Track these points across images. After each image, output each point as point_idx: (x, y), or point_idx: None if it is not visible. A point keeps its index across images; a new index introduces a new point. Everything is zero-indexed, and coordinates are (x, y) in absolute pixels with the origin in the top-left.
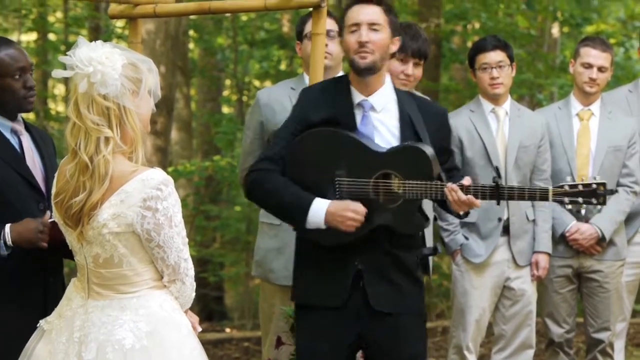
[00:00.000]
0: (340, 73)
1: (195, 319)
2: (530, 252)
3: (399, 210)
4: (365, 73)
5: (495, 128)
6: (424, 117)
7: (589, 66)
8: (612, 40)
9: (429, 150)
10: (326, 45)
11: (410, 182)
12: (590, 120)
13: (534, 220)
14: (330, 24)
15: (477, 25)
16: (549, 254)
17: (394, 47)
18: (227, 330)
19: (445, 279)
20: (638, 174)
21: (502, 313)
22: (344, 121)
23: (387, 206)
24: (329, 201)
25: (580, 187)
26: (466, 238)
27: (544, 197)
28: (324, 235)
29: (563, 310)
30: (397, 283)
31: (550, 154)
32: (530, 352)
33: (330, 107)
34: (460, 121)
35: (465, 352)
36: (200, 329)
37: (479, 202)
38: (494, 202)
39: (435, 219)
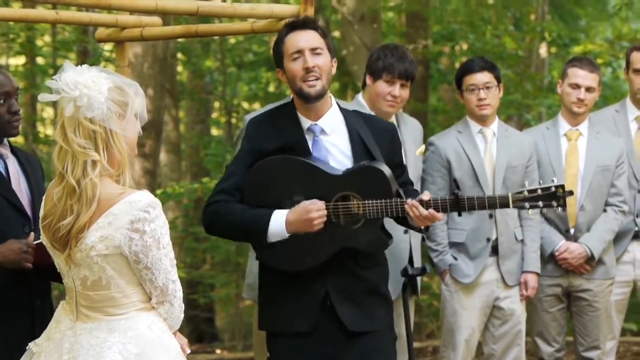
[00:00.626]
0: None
1: (184, 340)
2: (519, 272)
3: (361, 230)
4: (315, 100)
5: (483, 149)
6: (373, 133)
7: (576, 87)
8: (599, 61)
9: (385, 168)
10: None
11: (370, 201)
12: (579, 140)
13: (522, 240)
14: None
15: (465, 47)
16: (537, 274)
17: (334, 70)
18: (218, 351)
19: (435, 299)
20: (626, 194)
21: (491, 333)
22: (296, 148)
23: (349, 227)
24: (287, 210)
25: (539, 192)
26: (455, 258)
27: (504, 204)
28: (286, 262)
29: (553, 329)
30: (365, 302)
31: (539, 174)
32: None
33: (280, 135)
34: (448, 142)
35: None
36: (189, 351)
37: (440, 215)
38: (480, 221)
39: (423, 239)
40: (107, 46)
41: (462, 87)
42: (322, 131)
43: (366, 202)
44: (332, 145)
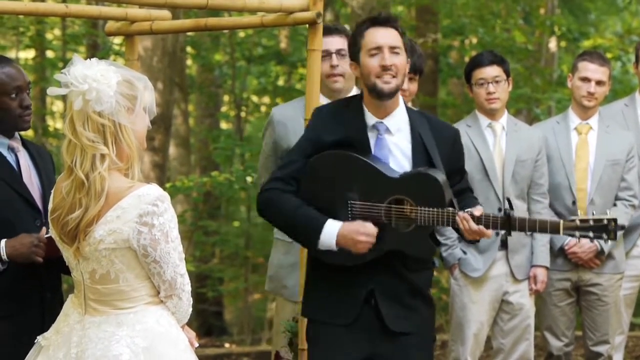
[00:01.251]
0: (354, 90)
1: (192, 334)
2: (528, 266)
3: (411, 235)
4: (387, 98)
5: (492, 143)
6: (436, 138)
7: (587, 80)
8: (609, 55)
9: (440, 177)
10: (337, 65)
11: (422, 208)
12: (589, 134)
13: (531, 234)
14: (342, 43)
15: (474, 40)
16: (547, 268)
17: (407, 69)
18: (227, 345)
19: (444, 293)
20: (636, 188)
21: (500, 327)
22: (357, 144)
23: (399, 231)
24: (341, 223)
25: (591, 222)
26: (464, 252)
27: (554, 230)
28: (337, 256)
29: (562, 323)
30: (409, 304)
31: (548, 168)
32: None
33: (343, 129)
34: None
35: None
36: (197, 345)
37: (490, 232)
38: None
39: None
40: (117, 40)
41: (471, 81)
42: (387, 130)
43: (419, 208)
44: (395, 145)
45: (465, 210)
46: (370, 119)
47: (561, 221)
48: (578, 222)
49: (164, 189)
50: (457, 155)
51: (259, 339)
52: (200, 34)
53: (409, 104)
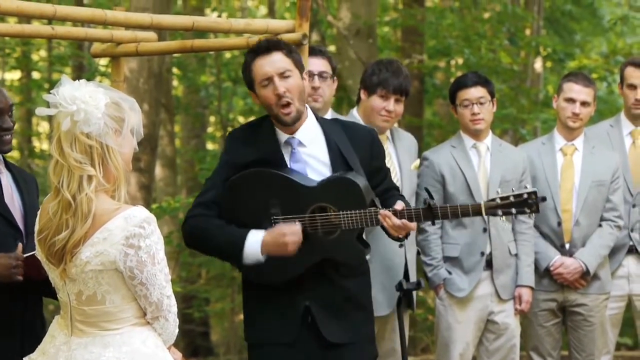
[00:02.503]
0: (329, 114)
1: (179, 355)
2: (513, 286)
3: (338, 241)
4: (293, 124)
5: (476, 163)
6: (352, 141)
7: (572, 101)
8: (594, 75)
9: (359, 179)
10: (318, 87)
11: (345, 212)
12: (574, 155)
13: (516, 255)
14: (324, 66)
15: (460, 61)
16: (532, 288)
17: (305, 81)
18: None
19: (430, 313)
20: (621, 209)
21: (485, 347)
22: (273, 161)
23: (326, 238)
24: (263, 231)
25: (512, 199)
26: (449, 272)
27: (477, 212)
28: (265, 274)
29: (548, 343)
30: (346, 314)
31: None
32: None
33: (257, 149)
34: (442, 157)
35: None
36: None
37: (413, 225)
38: (474, 236)
39: (418, 253)
40: (103, 61)
41: (455, 102)
42: (300, 143)
43: (340, 213)
44: (310, 156)
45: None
46: (282, 136)
47: (482, 202)
48: (499, 201)
49: (150, 210)
50: (377, 154)
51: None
52: (186, 55)
53: (395, 125)
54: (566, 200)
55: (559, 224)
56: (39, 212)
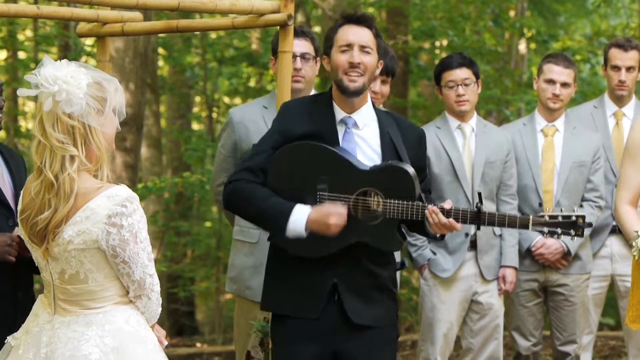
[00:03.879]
0: (312, 93)
1: (162, 333)
2: (497, 267)
3: (378, 228)
4: (354, 95)
5: (461, 144)
6: (403, 136)
7: (552, 82)
8: (578, 57)
9: (412, 170)
10: (300, 68)
11: (392, 201)
12: (555, 136)
13: (500, 235)
14: (307, 47)
15: (444, 43)
16: (515, 269)
17: (378, 71)
18: (198, 345)
19: (414, 293)
20: (602, 189)
21: (469, 327)
22: (326, 136)
23: (366, 223)
24: (310, 208)
25: (560, 219)
26: (434, 253)
27: (523, 225)
28: (302, 247)
29: (530, 323)
30: (372, 297)
31: (516, 170)
32: None
33: (312, 122)
34: (427, 138)
35: None
36: (166, 343)
37: (459, 225)
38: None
39: None
40: (89, 41)
41: (440, 83)
42: (355, 124)
43: (388, 201)
44: (362, 139)
45: (435, 203)
46: (339, 113)
47: (530, 216)
48: (547, 218)
49: (136, 189)
50: (422, 155)
51: (230, 339)
52: (171, 35)
53: (380, 106)
54: (547, 181)
55: (540, 204)
56: (22, 192)
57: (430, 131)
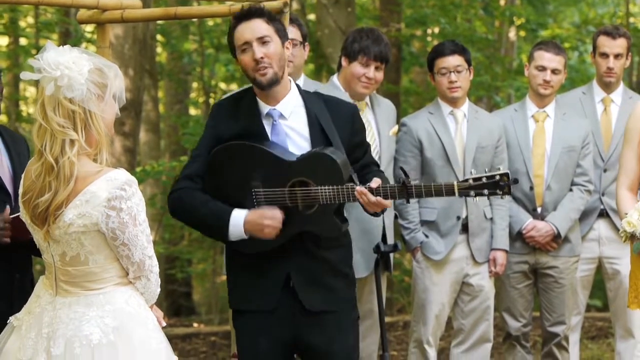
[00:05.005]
0: (302, 78)
1: (160, 313)
2: (488, 249)
3: (316, 215)
4: (270, 87)
5: (453, 130)
6: (333, 116)
7: (542, 69)
8: (566, 45)
9: (336, 155)
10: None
11: (322, 187)
12: (545, 121)
13: (491, 219)
14: (294, 33)
15: (436, 30)
16: (506, 251)
17: (289, 51)
18: (195, 325)
19: (406, 275)
20: (591, 174)
21: (461, 308)
22: (254, 133)
23: (304, 212)
24: (246, 211)
25: (484, 180)
26: (426, 236)
27: (450, 192)
28: (250, 244)
29: (520, 304)
30: (326, 283)
31: (507, 155)
32: (488, 346)
33: (239, 121)
34: (419, 123)
35: (426, 346)
36: (165, 324)
37: (388, 202)
38: (451, 200)
39: (396, 217)
40: (89, 27)
41: (433, 69)
42: (281, 115)
43: (319, 188)
44: (291, 129)
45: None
46: (264, 107)
47: (455, 182)
48: (471, 182)
49: (135, 173)
50: (357, 130)
51: (226, 319)
52: (170, 22)
53: (374, 92)
54: (538, 165)
55: (531, 188)
56: (23, 175)
57: (423, 116)
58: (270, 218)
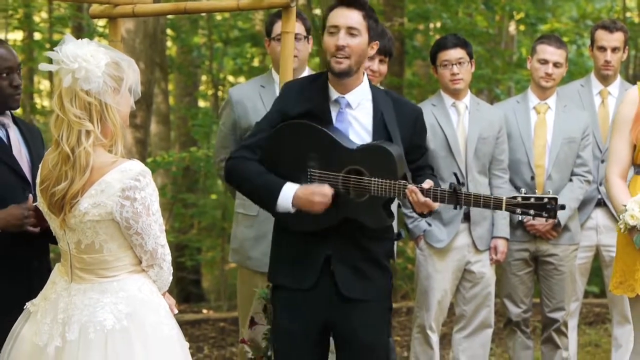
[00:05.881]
0: (306, 71)
1: (173, 301)
2: (489, 238)
3: (364, 204)
4: (341, 76)
5: (456, 121)
6: (398, 115)
7: (545, 62)
8: (565, 38)
9: (395, 150)
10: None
11: (376, 179)
12: (547, 113)
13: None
14: (298, 27)
15: (438, 25)
16: (506, 239)
17: (372, 51)
18: (204, 311)
19: (409, 262)
20: (591, 164)
21: (462, 294)
22: (320, 116)
23: (354, 200)
24: (298, 185)
25: (532, 200)
26: (429, 224)
27: (497, 206)
28: (296, 221)
29: (520, 291)
30: (364, 271)
31: (509, 145)
32: (489, 331)
33: (308, 102)
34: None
35: (428, 331)
36: (176, 311)
37: (435, 205)
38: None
39: (399, 206)
40: (101, 22)
41: (436, 62)
42: (348, 104)
43: (372, 179)
44: (355, 119)
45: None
46: (333, 93)
47: (504, 198)
48: (520, 200)
49: (146, 163)
50: (419, 134)
51: (234, 306)
52: (179, 17)
53: (378, 85)
54: (539, 156)
55: (532, 178)
56: (40, 164)
57: (426, 108)
58: (320, 194)
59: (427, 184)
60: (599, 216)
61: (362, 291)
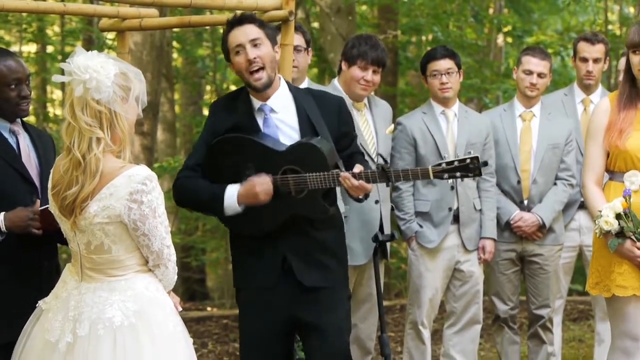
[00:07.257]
0: (306, 81)
1: (177, 299)
2: (477, 238)
3: (305, 199)
4: (263, 90)
5: (445, 128)
6: (321, 109)
7: (529, 73)
8: (550, 50)
9: (320, 143)
10: (293, 59)
11: (310, 174)
12: (532, 120)
13: (480, 210)
14: (298, 39)
15: (430, 37)
16: (494, 240)
17: (278, 55)
18: (208, 309)
19: (402, 262)
20: (574, 169)
21: (452, 292)
22: (248, 126)
23: (295, 197)
24: (239, 185)
25: (456, 163)
26: (420, 226)
27: (425, 175)
28: (247, 226)
29: (508, 289)
30: (320, 261)
31: (496, 151)
32: (478, 327)
33: (234, 116)
34: (414, 122)
35: (420, 327)
36: (181, 308)
37: (369, 186)
38: (443, 192)
39: (392, 208)
40: (110, 35)
41: (426, 72)
42: (272, 110)
43: (307, 174)
44: (281, 122)
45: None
46: (256, 103)
47: (430, 167)
48: (444, 166)
49: (153, 169)
50: (344, 120)
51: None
52: (184, 30)
53: (372, 93)
54: (525, 161)
55: (519, 182)
56: (52, 169)
57: (417, 116)
58: (260, 183)
59: (357, 168)
60: (581, 218)
61: (321, 278)
